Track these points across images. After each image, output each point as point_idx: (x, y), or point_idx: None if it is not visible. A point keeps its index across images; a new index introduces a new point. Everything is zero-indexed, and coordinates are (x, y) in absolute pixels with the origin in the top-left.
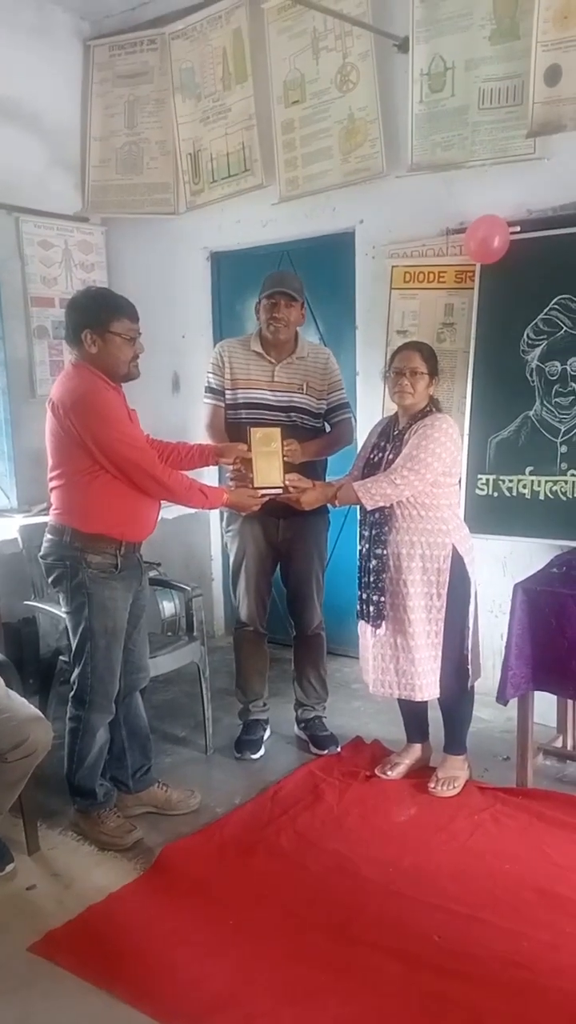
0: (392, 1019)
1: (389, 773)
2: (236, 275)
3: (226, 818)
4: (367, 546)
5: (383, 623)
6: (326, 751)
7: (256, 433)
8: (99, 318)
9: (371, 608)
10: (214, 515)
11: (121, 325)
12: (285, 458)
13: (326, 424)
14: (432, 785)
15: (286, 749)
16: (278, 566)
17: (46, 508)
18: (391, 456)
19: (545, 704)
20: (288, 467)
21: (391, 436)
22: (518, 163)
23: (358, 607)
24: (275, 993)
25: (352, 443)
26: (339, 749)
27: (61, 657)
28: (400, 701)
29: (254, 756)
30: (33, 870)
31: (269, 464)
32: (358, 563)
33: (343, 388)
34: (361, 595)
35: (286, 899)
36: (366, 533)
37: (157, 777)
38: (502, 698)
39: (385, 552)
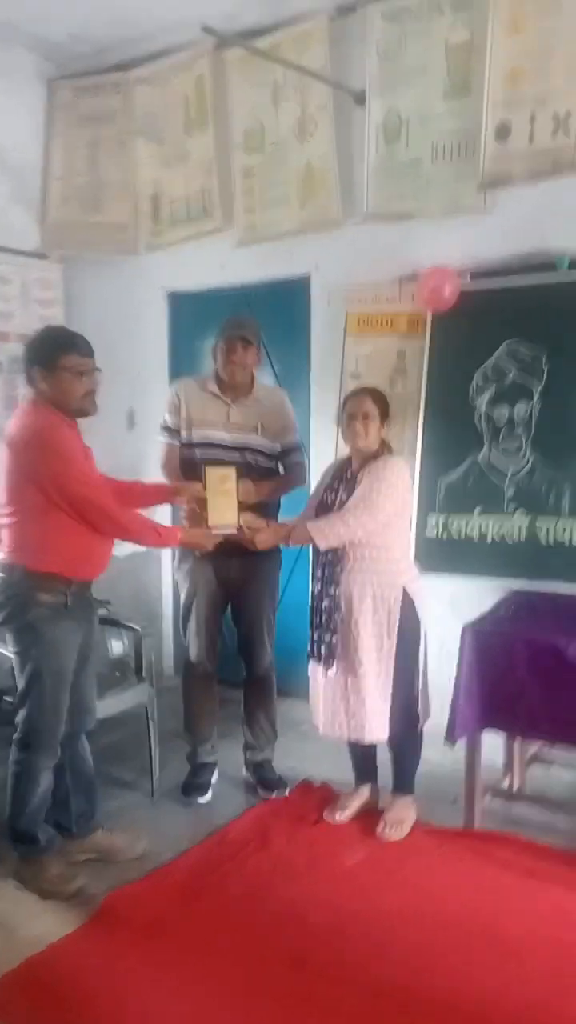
0: None
1: (338, 817)
2: (193, 316)
3: (173, 864)
4: (319, 586)
5: (334, 663)
6: (274, 794)
7: (212, 473)
8: (47, 354)
9: (322, 648)
10: (165, 553)
11: (68, 360)
12: (239, 498)
13: (280, 465)
14: (380, 828)
15: (234, 792)
16: (228, 606)
17: None
18: (344, 497)
19: (493, 746)
20: (241, 507)
21: (344, 478)
22: (469, 215)
23: (309, 647)
24: None
25: (305, 484)
26: (287, 792)
27: (5, 697)
28: (349, 743)
29: (201, 800)
30: None
31: (224, 503)
32: (310, 603)
33: (297, 430)
34: (313, 635)
35: (234, 947)
36: (319, 573)
37: (101, 822)
38: (451, 738)
39: (337, 592)
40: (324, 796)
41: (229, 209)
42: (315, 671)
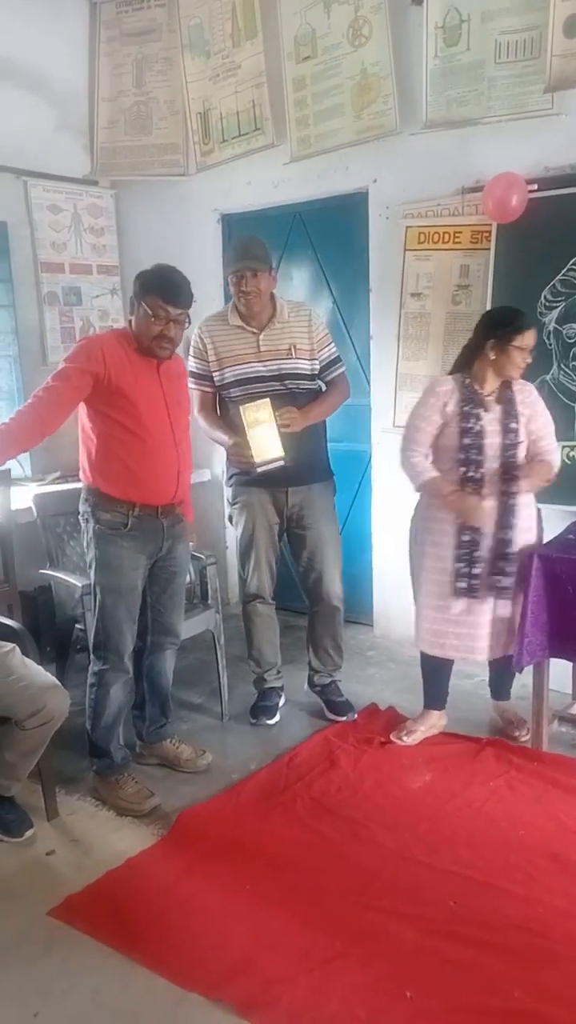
0: (407, 985)
1: (405, 739)
2: None
3: (242, 784)
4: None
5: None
6: (342, 717)
7: (246, 411)
8: (140, 289)
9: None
10: None
11: (150, 300)
12: (286, 428)
13: (321, 384)
14: (517, 733)
15: (301, 716)
16: (285, 536)
17: (60, 477)
18: (500, 425)
19: (561, 671)
20: (286, 438)
21: (479, 401)
22: (536, 119)
23: (465, 584)
24: (291, 959)
25: (349, 396)
26: (355, 715)
27: (77, 625)
28: (491, 663)
29: (270, 722)
30: (52, 836)
31: (265, 436)
32: (463, 548)
33: (332, 342)
34: (460, 568)
35: (302, 865)
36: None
37: (172, 733)
38: (518, 665)
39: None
40: (390, 720)
41: (281, 123)
42: (472, 607)
